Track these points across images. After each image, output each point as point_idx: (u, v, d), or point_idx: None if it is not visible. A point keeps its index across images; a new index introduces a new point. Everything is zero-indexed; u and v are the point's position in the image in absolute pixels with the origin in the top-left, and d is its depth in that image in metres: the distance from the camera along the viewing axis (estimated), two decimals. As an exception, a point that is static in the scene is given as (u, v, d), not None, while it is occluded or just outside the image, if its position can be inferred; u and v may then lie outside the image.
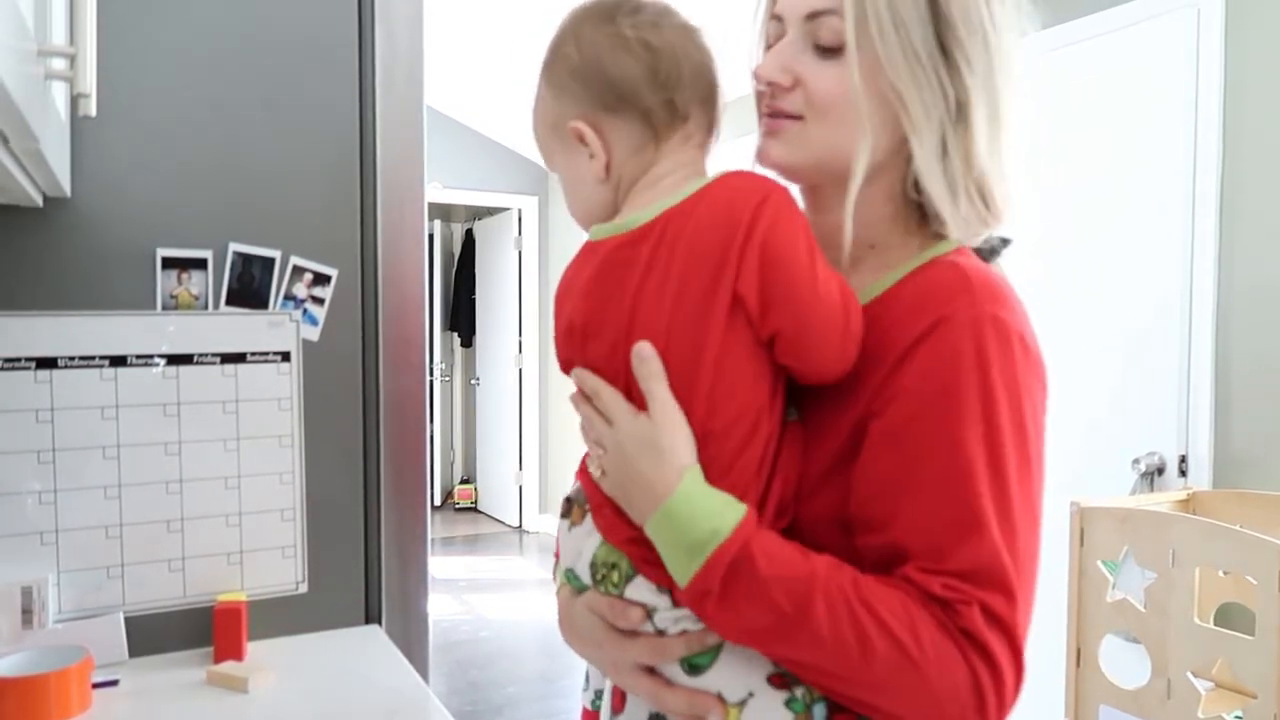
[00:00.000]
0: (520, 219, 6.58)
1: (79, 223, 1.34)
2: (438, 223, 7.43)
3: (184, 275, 1.40)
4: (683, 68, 0.82)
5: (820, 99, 0.81)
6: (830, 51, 0.81)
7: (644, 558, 0.78)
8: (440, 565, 5.75)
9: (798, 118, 0.82)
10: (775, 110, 0.83)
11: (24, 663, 1.19)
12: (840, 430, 0.78)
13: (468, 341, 7.49)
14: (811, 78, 0.81)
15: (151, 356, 1.39)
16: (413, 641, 1.54)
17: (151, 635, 1.39)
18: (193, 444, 1.41)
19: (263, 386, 1.45)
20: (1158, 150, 2.66)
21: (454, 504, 7.43)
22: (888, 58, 0.79)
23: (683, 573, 0.74)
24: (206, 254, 1.42)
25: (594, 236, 0.84)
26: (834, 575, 0.72)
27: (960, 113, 0.81)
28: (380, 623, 1.53)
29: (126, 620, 1.37)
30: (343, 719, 1.21)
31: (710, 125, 0.87)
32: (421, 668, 1.52)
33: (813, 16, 0.81)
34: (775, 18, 0.85)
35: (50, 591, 1.32)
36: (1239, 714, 1.83)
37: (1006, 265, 0.89)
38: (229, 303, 1.43)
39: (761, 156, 0.85)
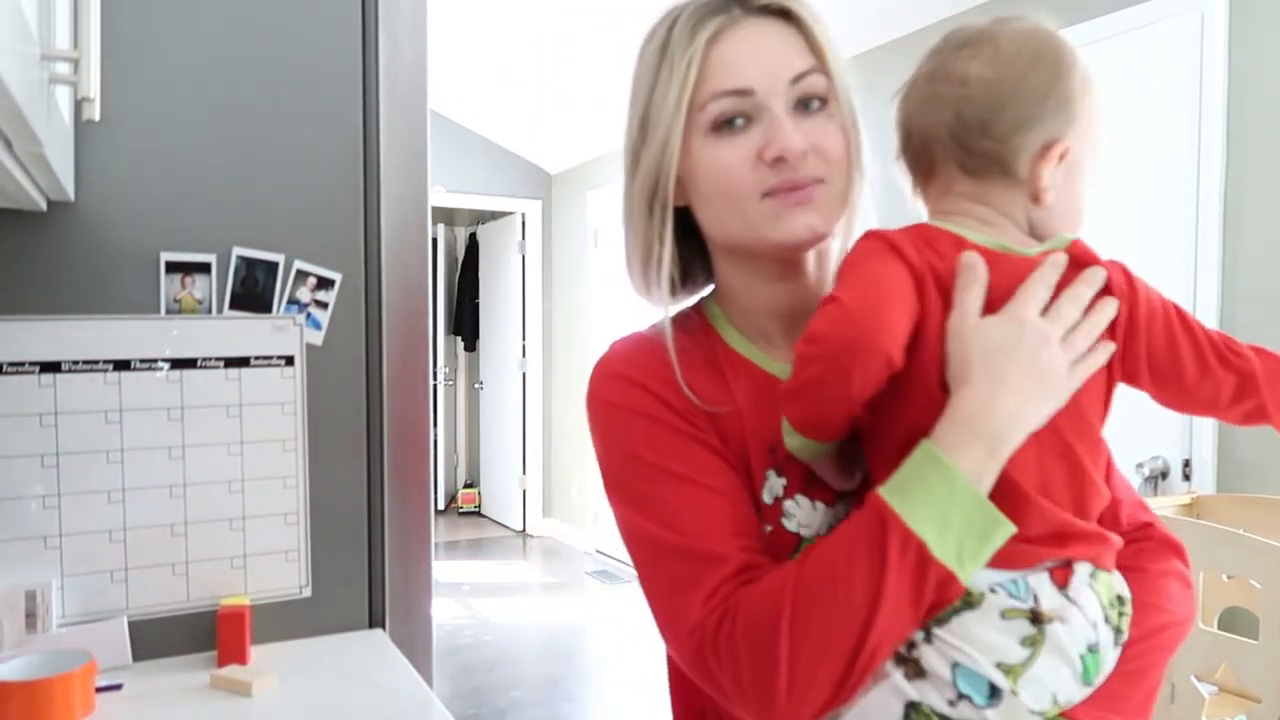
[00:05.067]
0: (524, 223, 6.59)
1: (82, 227, 1.35)
2: (441, 227, 7.44)
3: (187, 279, 1.40)
4: None
5: (833, 154, 0.82)
6: (815, 110, 0.83)
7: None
8: (444, 569, 5.75)
9: (820, 180, 0.82)
10: (804, 179, 0.81)
11: (27, 667, 1.19)
12: None
13: (471, 345, 7.50)
14: (818, 137, 0.82)
15: (155, 360, 1.39)
16: (416, 646, 1.53)
17: (155, 639, 1.39)
18: (196, 448, 1.41)
19: (266, 391, 1.45)
20: (1162, 155, 2.66)
21: (458, 508, 7.43)
22: (850, 103, 0.84)
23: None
24: (210, 258, 1.42)
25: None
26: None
27: None
28: (384, 627, 1.53)
29: (130, 624, 1.37)
30: (346, 723, 1.21)
31: None
32: (425, 672, 1.52)
33: (798, 79, 0.82)
34: (735, 94, 0.81)
35: (54, 595, 1.32)
36: (1242, 718, 1.83)
37: None
38: (233, 307, 1.43)
39: (801, 233, 0.82)
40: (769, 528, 0.83)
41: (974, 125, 0.79)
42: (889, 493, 0.72)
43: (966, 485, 0.70)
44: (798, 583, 0.73)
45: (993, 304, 0.76)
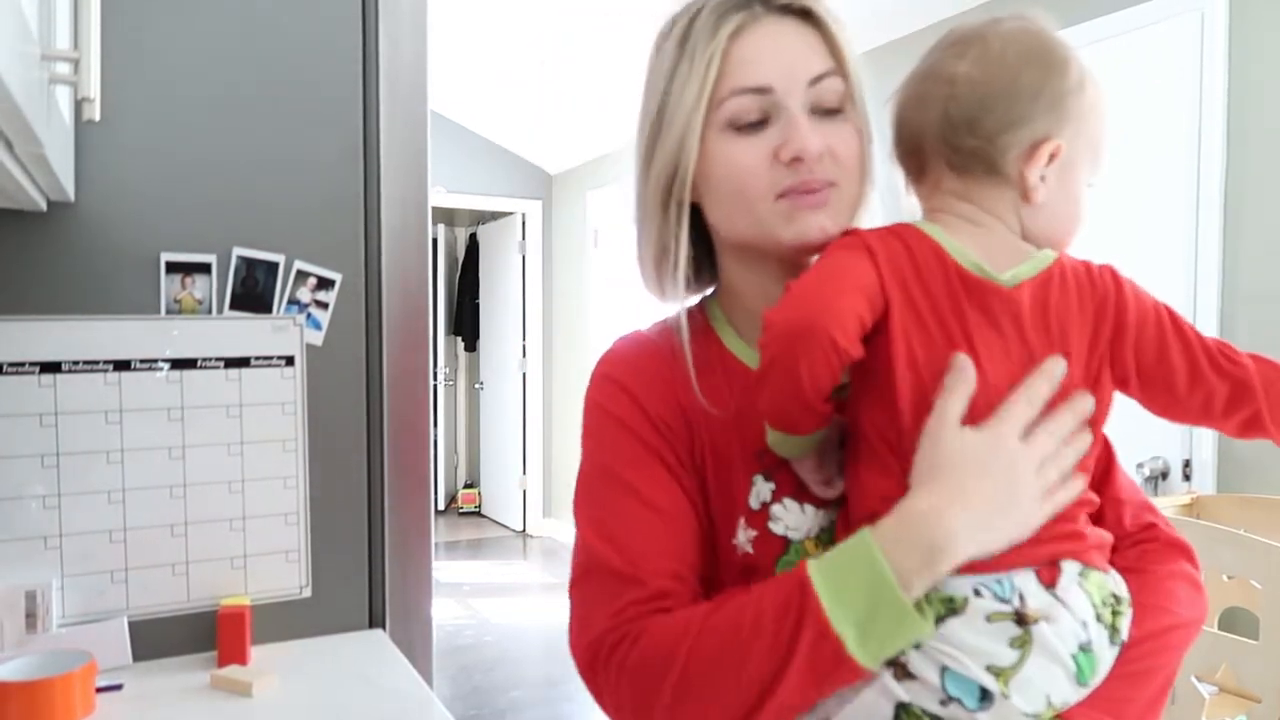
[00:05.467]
0: (524, 223, 6.58)
1: (83, 227, 1.35)
2: (441, 227, 7.43)
3: (188, 280, 1.40)
4: None
5: (847, 158, 0.82)
6: (831, 112, 0.82)
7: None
8: (444, 570, 5.75)
9: (833, 183, 0.82)
10: (818, 182, 0.81)
11: (28, 667, 1.19)
12: None
13: (471, 346, 7.50)
14: (834, 140, 0.81)
15: (155, 361, 1.39)
16: (416, 646, 1.54)
17: (155, 639, 1.39)
18: (196, 448, 1.41)
19: (266, 391, 1.45)
20: (1162, 155, 2.65)
21: (458, 508, 7.43)
22: (865, 107, 0.85)
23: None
24: (210, 258, 1.42)
25: None
26: None
27: None
28: (384, 627, 1.53)
29: (130, 624, 1.37)
30: (346, 723, 1.21)
31: None
32: (425, 672, 1.52)
33: (817, 80, 0.81)
34: (754, 91, 0.81)
35: (54, 596, 1.32)
36: (1242, 718, 1.83)
37: None
38: (233, 307, 1.43)
39: (813, 234, 0.81)
40: (754, 533, 0.82)
41: (960, 124, 0.79)
42: (819, 574, 0.70)
43: (896, 591, 0.68)
44: (701, 632, 0.73)
45: (947, 325, 0.75)
